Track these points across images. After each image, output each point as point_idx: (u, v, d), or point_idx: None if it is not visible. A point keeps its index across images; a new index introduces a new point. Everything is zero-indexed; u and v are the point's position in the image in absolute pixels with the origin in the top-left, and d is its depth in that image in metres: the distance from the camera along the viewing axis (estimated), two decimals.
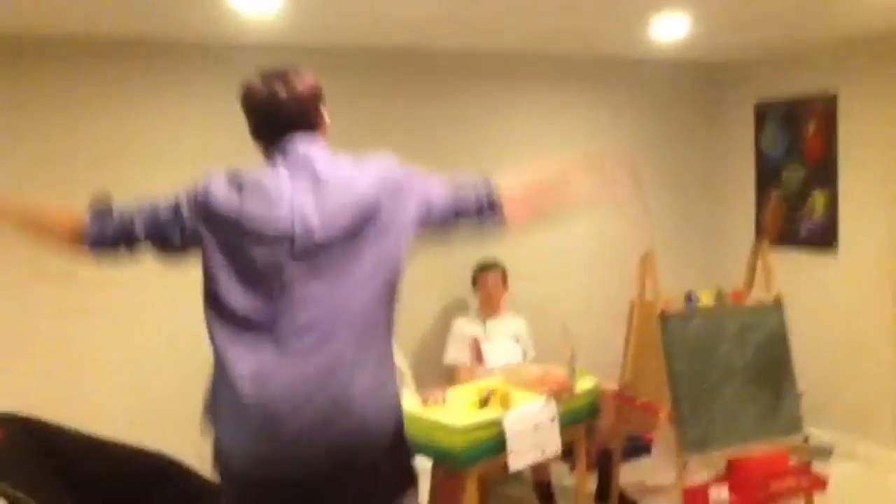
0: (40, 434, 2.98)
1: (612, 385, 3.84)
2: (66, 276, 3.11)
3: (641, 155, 5.28)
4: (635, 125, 5.26)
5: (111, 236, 1.89)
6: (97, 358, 3.77)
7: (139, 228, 1.89)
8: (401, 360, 4.10)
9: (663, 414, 3.41)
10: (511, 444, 3.17)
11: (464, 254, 4.62)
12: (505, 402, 3.25)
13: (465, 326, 4.38)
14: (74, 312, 3.66)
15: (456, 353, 4.35)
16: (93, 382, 3.76)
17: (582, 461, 3.62)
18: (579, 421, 3.53)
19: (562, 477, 4.12)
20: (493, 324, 4.39)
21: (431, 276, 4.57)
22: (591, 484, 4.02)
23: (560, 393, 3.39)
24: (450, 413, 3.21)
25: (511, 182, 1.98)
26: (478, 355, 4.31)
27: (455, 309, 4.59)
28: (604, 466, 4.13)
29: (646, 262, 3.62)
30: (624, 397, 3.70)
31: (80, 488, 2.95)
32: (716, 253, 5.45)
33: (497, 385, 3.44)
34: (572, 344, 3.60)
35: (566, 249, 5.10)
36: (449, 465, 3.13)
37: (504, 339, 4.37)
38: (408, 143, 4.36)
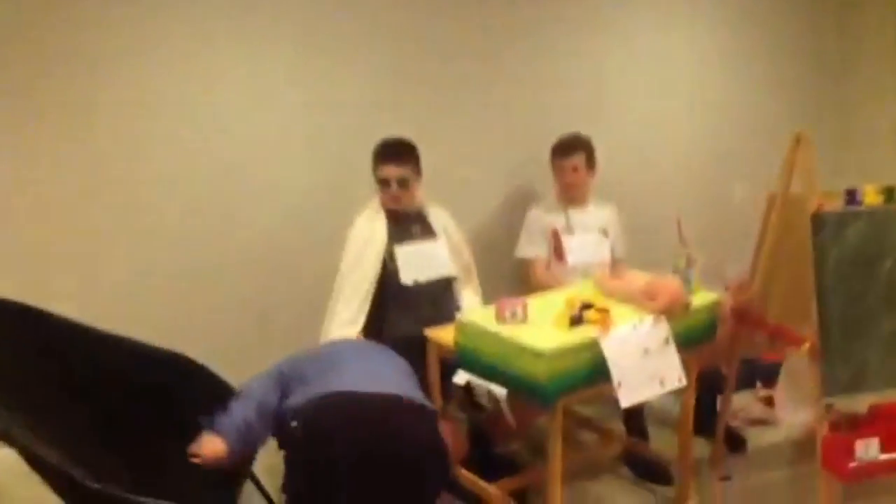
0: (37, 327, 2.38)
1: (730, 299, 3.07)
2: None
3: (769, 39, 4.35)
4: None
5: None
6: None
7: None
8: (466, 253, 3.36)
9: (807, 345, 2.64)
10: (617, 375, 2.44)
11: (530, 127, 3.83)
12: (604, 320, 2.50)
13: (543, 217, 3.60)
14: None
15: (531, 245, 3.59)
16: None
17: (691, 393, 2.91)
18: (695, 345, 2.78)
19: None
20: (576, 214, 3.59)
21: (489, 156, 3.79)
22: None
23: (672, 308, 2.63)
24: (533, 332, 2.48)
25: None
26: (558, 250, 3.55)
27: (521, 198, 3.81)
28: (708, 392, 3.42)
29: (799, 144, 2.74)
30: (749, 316, 2.92)
31: (88, 395, 2.41)
32: (851, 147, 4.52)
33: (593, 296, 2.68)
34: (689, 243, 2.81)
35: (672, 120, 4.24)
36: (530, 397, 2.43)
37: (590, 232, 3.59)
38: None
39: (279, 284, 3.45)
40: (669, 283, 2.66)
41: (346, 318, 3.03)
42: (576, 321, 2.51)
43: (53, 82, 2.95)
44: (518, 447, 3.48)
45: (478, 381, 2.52)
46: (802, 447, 2.91)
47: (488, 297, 3.13)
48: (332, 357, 2.53)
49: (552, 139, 3.54)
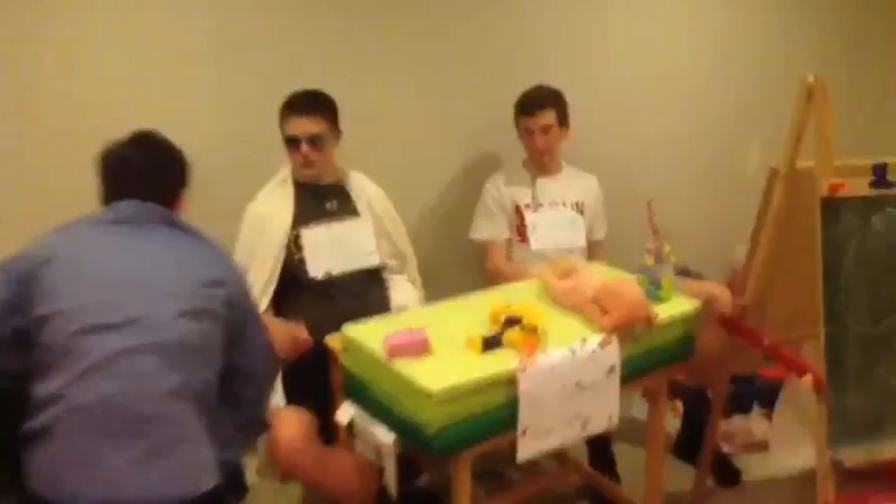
0: None
1: (720, 298, 2.39)
2: None
3: None
4: None
5: None
6: None
7: None
8: (403, 243, 2.73)
9: (809, 378, 1.95)
10: (526, 419, 1.81)
11: (496, 79, 3.14)
12: (528, 343, 1.86)
13: (503, 189, 2.93)
14: None
15: (489, 224, 2.93)
16: None
17: (659, 422, 2.26)
18: (662, 367, 2.12)
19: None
20: (546, 185, 2.92)
21: (443, 116, 3.10)
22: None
23: (629, 325, 1.97)
24: (431, 361, 1.84)
25: None
26: (520, 230, 2.89)
27: (482, 169, 3.12)
28: (693, 414, 2.76)
29: (811, 97, 2.01)
30: (741, 328, 2.24)
31: None
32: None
33: (527, 305, 2.02)
34: (661, 234, 2.14)
35: (663, 71, 3.51)
36: (418, 448, 1.81)
37: (562, 209, 2.92)
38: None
39: None
40: (627, 292, 1.99)
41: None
42: (490, 344, 1.87)
43: None
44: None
45: (363, 422, 1.92)
46: (810, 478, 2.27)
47: (442, 290, 2.51)
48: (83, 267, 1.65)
49: (515, 95, 2.86)
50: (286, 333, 2.28)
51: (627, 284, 2.03)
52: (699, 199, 3.61)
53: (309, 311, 2.45)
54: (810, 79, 1.97)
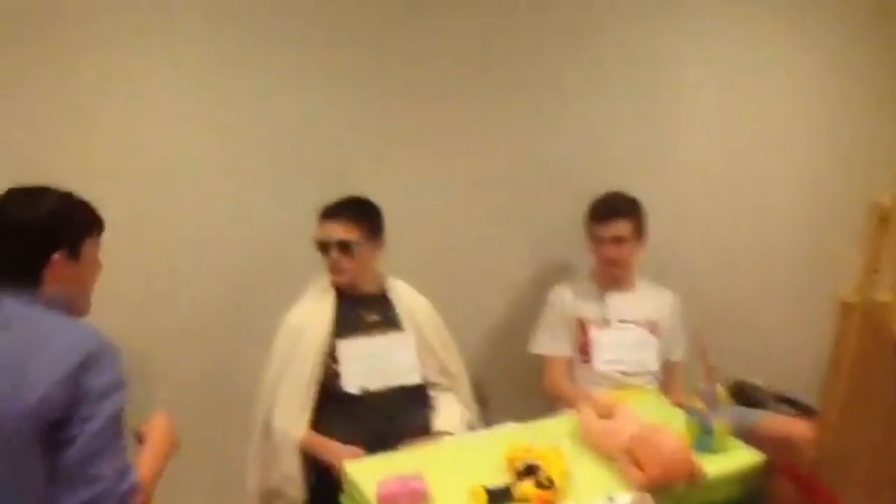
0: None
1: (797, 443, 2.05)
2: None
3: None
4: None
5: None
6: None
7: None
8: (452, 360, 2.55)
9: None
10: None
11: (566, 181, 2.95)
12: (541, 497, 1.62)
13: (567, 300, 2.71)
14: None
15: (550, 339, 2.71)
16: None
17: None
18: None
19: None
20: (616, 300, 2.68)
21: (506, 220, 2.93)
22: None
23: (668, 483, 1.69)
24: None
25: None
26: (583, 348, 2.65)
27: (548, 277, 2.91)
28: None
29: (888, 222, 1.72)
30: (811, 487, 1.89)
31: None
32: None
33: (550, 451, 1.78)
34: (713, 373, 1.87)
35: (750, 184, 3.23)
36: None
37: (632, 327, 2.66)
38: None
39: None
40: (665, 443, 1.72)
41: (291, 416, 2.31)
42: (497, 499, 1.64)
43: None
44: None
45: None
46: None
47: (501, 408, 2.30)
48: None
49: (589, 197, 2.67)
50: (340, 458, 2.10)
51: (666, 434, 1.75)
52: (800, 312, 3.25)
53: (340, 428, 2.31)
54: (886, 201, 1.68)
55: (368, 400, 2.35)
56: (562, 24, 2.87)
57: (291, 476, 2.30)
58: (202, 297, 2.66)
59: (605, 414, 1.93)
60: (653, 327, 2.64)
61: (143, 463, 1.62)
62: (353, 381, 2.36)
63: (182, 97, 2.55)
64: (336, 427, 2.31)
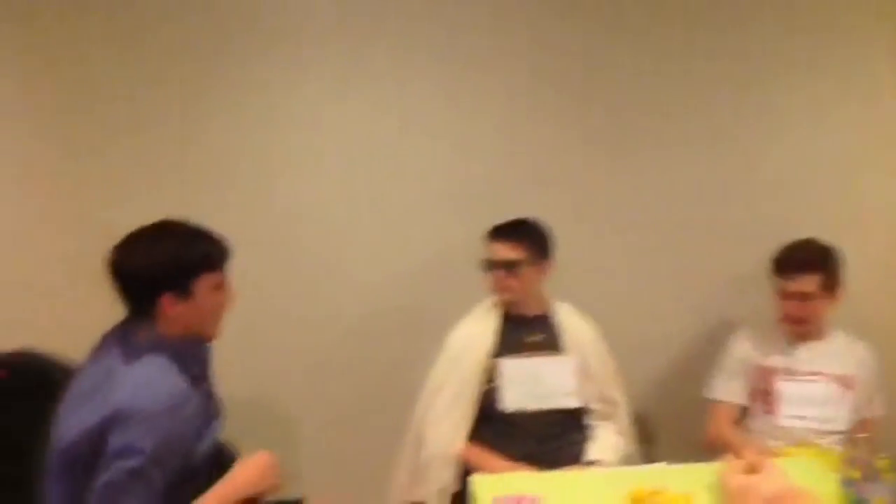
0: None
1: None
2: None
3: None
4: None
5: None
6: None
7: None
8: (612, 388, 2.50)
9: None
10: None
11: (758, 223, 2.78)
12: None
13: (749, 346, 2.54)
14: None
15: (722, 383, 2.55)
16: None
17: None
18: None
19: None
20: (804, 351, 2.47)
21: (683, 257, 2.81)
22: None
23: None
24: None
25: None
26: (766, 399, 2.47)
27: (732, 318, 2.75)
28: None
29: None
30: None
31: None
32: None
33: (672, 499, 1.70)
34: (870, 452, 1.68)
35: None
36: None
37: (820, 381, 2.44)
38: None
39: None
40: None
41: (447, 428, 2.39)
42: None
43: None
44: None
45: None
46: None
47: (660, 447, 2.24)
48: None
49: (779, 239, 2.50)
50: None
51: (808, 500, 1.60)
52: None
53: (493, 447, 2.35)
54: None
55: (524, 421, 2.38)
56: (767, 43, 2.71)
57: (443, 488, 2.36)
58: (377, 306, 2.86)
59: (752, 469, 1.79)
60: (846, 382, 2.41)
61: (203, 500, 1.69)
62: (512, 400, 2.39)
63: (361, 124, 2.78)
64: (489, 446, 2.36)
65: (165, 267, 1.73)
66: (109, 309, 1.75)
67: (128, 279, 1.74)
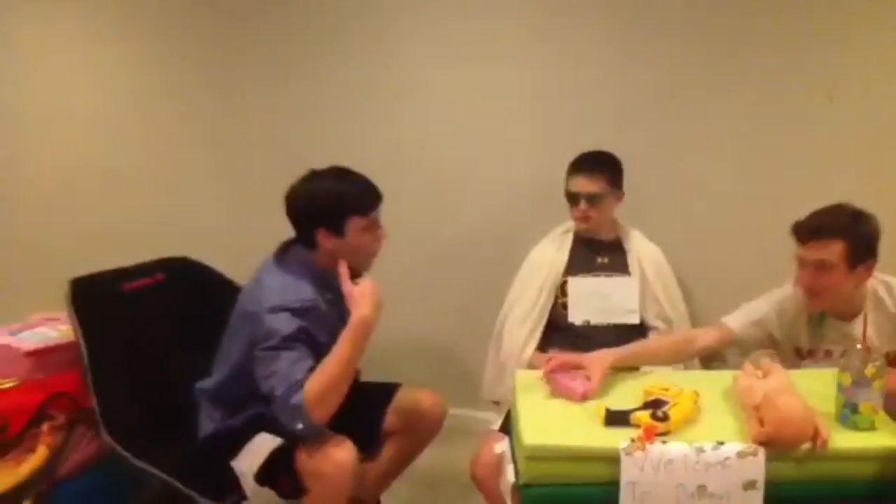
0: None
1: None
2: None
3: None
4: None
5: None
6: None
7: None
8: (673, 308, 2.73)
9: None
10: (627, 502, 1.78)
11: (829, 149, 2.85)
12: (649, 429, 1.81)
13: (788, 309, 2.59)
14: None
15: (747, 326, 2.40)
16: None
17: None
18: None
19: None
20: (831, 329, 2.39)
21: (761, 186, 2.95)
22: None
23: (783, 444, 1.76)
24: (553, 414, 1.95)
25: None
26: None
27: None
28: None
29: None
30: None
31: None
32: None
33: (678, 392, 1.94)
34: (871, 349, 1.84)
35: None
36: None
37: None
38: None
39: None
40: (786, 405, 1.78)
41: (522, 337, 2.70)
42: (614, 420, 1.88)
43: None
44: None
45: (506, 457, 2.09)
46: None
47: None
48: None
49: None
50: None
51: (791, 396, 1.80)
52: None
53: (562, 352, 2.64)
54: None
55: (589, 333, 2.66)
56: None
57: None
58: (475, 231, 3.24)
59: (764, 373, 2.00)
60: None
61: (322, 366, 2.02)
62: (578, 314, 2.68)
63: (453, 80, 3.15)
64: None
65: (322, 206, 2.16)
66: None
67: (293, 212, 2.18)
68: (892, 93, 2.73)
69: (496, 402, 2.79)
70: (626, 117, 3.00)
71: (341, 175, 2.20)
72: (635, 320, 2.66)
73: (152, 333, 2.39)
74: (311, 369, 2.00)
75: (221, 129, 3.46)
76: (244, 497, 2.21)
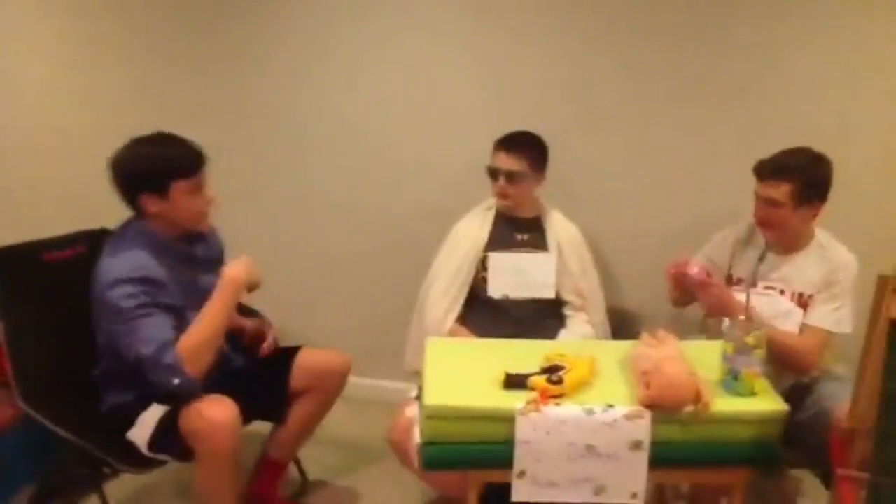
0: None
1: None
2: None
3: None
4: None
5: None
6: None
7: None
8: (587, 284, 2.83)
9: None
10: (522, 462, 1.87)
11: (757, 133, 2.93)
12: (544, 392, 1.91)
13: (727, 250, 2.69)
14: None
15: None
16: None
17: None
18: (732, 465, 1.95)
19: None
20: (776, 262, 2.52)
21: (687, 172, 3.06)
22: None
23: (666, 405, 1.87)
24: (459, 376, 2.05)
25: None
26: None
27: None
28: None
29: None
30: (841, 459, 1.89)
31: None
32: None
33: (574, 358, 2.05)
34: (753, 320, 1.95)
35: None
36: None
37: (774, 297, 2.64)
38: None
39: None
40: (672, 371, 1.89)
41: (443, 308, 2.78)
42: (512, 383, 1.97)
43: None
44: None
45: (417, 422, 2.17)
46: None
47: None
48: None
49: None
50: None
51: (676, 362, 1.91)
52: None
53: (480, 328, 2.74)
54: None
55: (507, 306, 2.75)
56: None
57: None
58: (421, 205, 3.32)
59: (656, 343, 2.11)
60: (802, 301, 2.43)
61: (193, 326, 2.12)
62: (498, 288, 2.76)
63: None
64: (476, 326, 2.75)
65: (145, 170, 2.15)
66: None
67: (117, 178, 2.17)
68: (807, 89, 2.85)
69: (418, 373, 2.87)
70: (563, 102, 3.05)
71: (164, 140, 2.20)
72: (551, 295, 2.76)
73: (71, 304, 2.38)
74: (175, 328, 2.08)
75: (170, 103, 3.44)
76: (156, 462, 2.28)
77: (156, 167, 2.15)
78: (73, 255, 2.51)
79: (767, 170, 2.38)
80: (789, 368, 2.33)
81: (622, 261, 3.10)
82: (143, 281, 2.09)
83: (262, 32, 3.27)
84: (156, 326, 2.06)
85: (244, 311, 2.62)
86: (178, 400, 2.12)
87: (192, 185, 2.19)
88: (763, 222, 2.44)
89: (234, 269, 2.18)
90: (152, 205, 2.17)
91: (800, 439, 2.15)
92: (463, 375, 2.06)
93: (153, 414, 2.19)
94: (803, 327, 2.40)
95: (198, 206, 2.25)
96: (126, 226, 2.25)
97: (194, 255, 2.35)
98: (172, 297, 2.16)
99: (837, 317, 2.36)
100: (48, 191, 3.66)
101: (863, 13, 2.73)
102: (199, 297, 2.20)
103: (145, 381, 2.08)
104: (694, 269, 2.27)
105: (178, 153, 2.18)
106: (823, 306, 2.38)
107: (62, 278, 2.44)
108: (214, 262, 2.38)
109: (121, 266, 2.10)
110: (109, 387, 2.26)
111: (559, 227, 2.82)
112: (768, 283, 2.49)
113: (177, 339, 2.07)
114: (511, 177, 2.70)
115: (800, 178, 2.33)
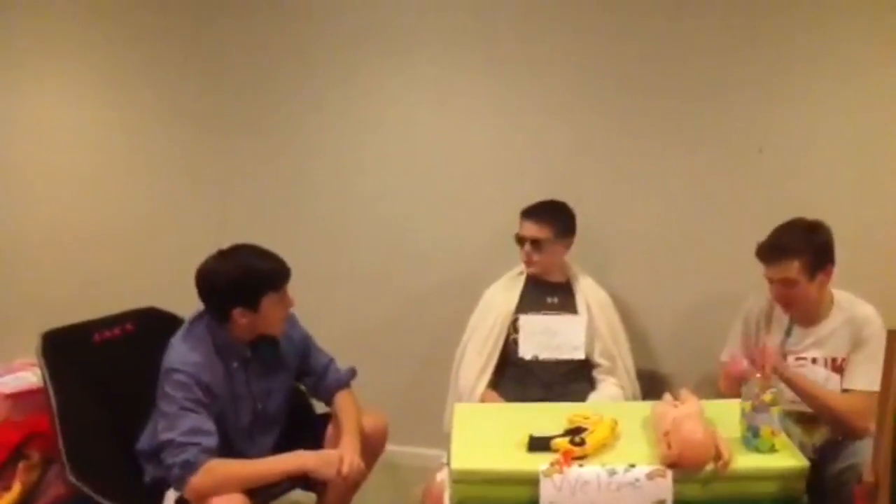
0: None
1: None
2: None
3: None
4: None
5: None
6: None
7: None
8: (616, 348, 2.90)
9: None
10: None
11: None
12: (567, 454, 1.96)
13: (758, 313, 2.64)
14: None
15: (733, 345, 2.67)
16: None
17: None
18: None
19: None
20: (803, 335, 2.52)
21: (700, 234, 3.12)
22: None
23: (688, 464, 1.91)
24: (485, 440, 2.12)
25: None
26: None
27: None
28: None
29: None
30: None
31: None
32: None
33: (597, 420, 2.10)
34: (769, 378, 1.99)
35: None
36: None
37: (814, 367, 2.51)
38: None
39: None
40: (690, 430, 1.93)
41: (477, 368, 2.86)
42: (536, 446, 2.03)
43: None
44: None
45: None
46: None
47: None
48: None
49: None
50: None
51: (695, 421, 1.95)
52: None
53: (511, 390, 2.82)
54: None
55: (538, 368, 2.82)
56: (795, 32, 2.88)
57: None
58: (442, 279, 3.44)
59: (679, 402, 2.15)
60: (836, 366, 2.43)
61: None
62: (528, 349, 2.85)
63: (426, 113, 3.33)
64: (508, 388, 2.83)
65: (237, 286, 2.22)
66: None
67: (207, 292, 2.25)
68: (821, 145, 2.91)
69: None
70: (587, 171, 3.18)
71: (251, 254, 2.28)
72: (581, 356, 2.82)
73: (120, 381, 2.51)
74: (207, 433, 2.15)
75: (198, 175, 3.64)
76: None
77: (248, 283, 2.23)
78: (122, 334, 2.64)
79: (772, 252, 2.39)
80: (847, 436, 2.30)
81: (651, 324, 3.16)
82: (198, 381, 2.20)
83: (301, 107, 3.45)
84: (197, 422, 2.15)
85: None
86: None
87: (280, 297, 2.29)
88: (784, 302, 2.46)
89: (312, 459, 2.23)
90: (242, 317, 2.25)
91: (830, 493, 2.17)
92: (489, 439, 2.13)
93: (170, 496, 2.27)
94: (847, 392, 2.38)
95: (282, 314, 2.35)
96: (201, 318, 2.33)
97: (255, 359, 2.41)
98: (224, 400, 2.27)
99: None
100: (95, 274, 3.86)
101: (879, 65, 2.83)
102: (247, 399, 2.33)
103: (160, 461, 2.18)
104: (744, 363, 2.28)
105: (268, 268, 2.27)
106: (863, 367, 2.36)
107: (112, 357, 2.57)
108: (274, 364, 2.45)
109: (184, 359, 2.21)
110: (150, 459, 2.37)
111: (589, 291, 2.90)
112: (799, 355, 2.48)
113: (213, 446, 2.14)
114: (536, 244, 2.81)
115: (806, 251, 2.35)
